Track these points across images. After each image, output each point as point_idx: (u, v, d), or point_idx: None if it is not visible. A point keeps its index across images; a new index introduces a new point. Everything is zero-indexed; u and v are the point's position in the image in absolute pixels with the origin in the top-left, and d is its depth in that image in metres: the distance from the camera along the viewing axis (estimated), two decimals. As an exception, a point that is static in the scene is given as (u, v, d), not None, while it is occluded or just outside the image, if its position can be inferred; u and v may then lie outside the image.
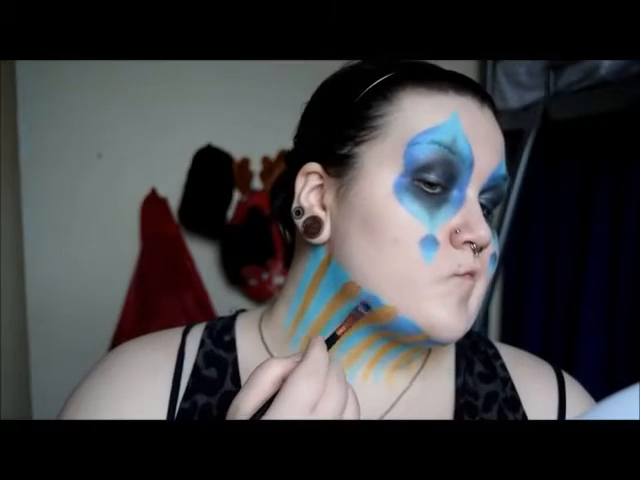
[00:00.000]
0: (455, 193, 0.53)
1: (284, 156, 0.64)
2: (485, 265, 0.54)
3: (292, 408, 0.44)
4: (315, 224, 0.55)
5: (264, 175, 1.99)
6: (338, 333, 0.51)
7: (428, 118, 0.52)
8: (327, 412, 0.45)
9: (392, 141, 0.52)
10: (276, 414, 0.44)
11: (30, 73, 1.82)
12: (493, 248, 0.55)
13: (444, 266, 0.51)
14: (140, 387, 0.57)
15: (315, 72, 0.69)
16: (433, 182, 0.51)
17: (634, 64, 1.25)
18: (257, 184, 1.99)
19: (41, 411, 1.86)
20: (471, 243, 0.52)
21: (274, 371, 0.47)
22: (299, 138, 0.61)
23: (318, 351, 0.47)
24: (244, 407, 0.46)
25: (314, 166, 0.56)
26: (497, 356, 0.64)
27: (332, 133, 0.55)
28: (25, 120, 1.83)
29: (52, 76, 1.83)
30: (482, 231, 0.51)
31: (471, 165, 0.52)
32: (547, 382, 0.63)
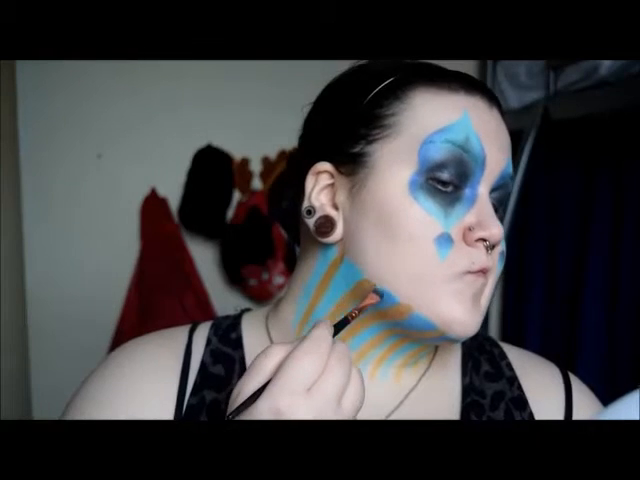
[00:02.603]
0: (467, 191, 0.53)
1: (288, 157, 0.64)
2: (495, 264, 0.55)
3: (287, 386, 0.43)
4: (327, 223, 0.55)
5: (264, 175, 1.99)
6: (350, 317, 0.50)
7: (440, 117, 0.53)
8: (323, 393, 0.44)
9: (405, 139, 0.53)
10: (271, 393, 0.43)
11: (30, 73, 1.82)
12: (502, 246, 0.56)
13: (458, 263, 0.52)
14: (147, 385, 0.57)
15: (316, 72, 0.69)
16: (446, 181, 0.52)
17: (634, 64, 1.25)
18: (257, 184, 1.99)
19: (41, 411, 1.86)
20: (484, 240, 0.52)
21: (276, 356, 0.46)
22: (306, 138, 0.61)
23: (320, 331, 0.46)
24: (246, 392, 0.45)
25: (325, 165, 0.56)
26: (503, 356, 0.64)
27: (343, 132, 0.55)
28: (25, 121, 1.83)
29: (52, 76, 1.83)
30: (495, 228, 0.52)
31: (483, 163, 0.53)
32: (553, 382, 0.63)
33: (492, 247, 0.53)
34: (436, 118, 0.53)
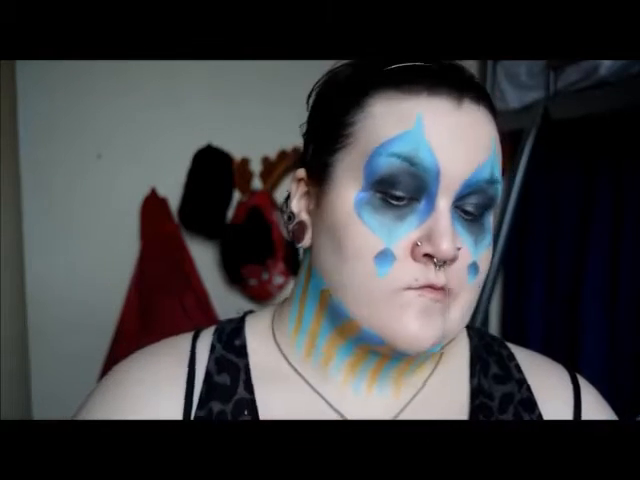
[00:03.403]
0: (423, 204, 0.51)
1: (288, 157, 0.64)
2: (461, 278, 0.52)
3: None
4: (300, 228, 0.56)
5: (264, 175, 1.99)
6: None
7: (392, 127, 0.50)
8: None
9: (358, 151, 0.52)
10: None
11: (30, 73, 1.82)
12: (472, 258, 0.53)
13: (399, 279, 0.50)
14: (154, 398, 0.57)
15: (315, 72, 0.69)
16: (396, 195, 0.50)
17: (634, 64, 1.25)
18: (257, 184, 1.99)
19: (41, 411, 1.86)
20: (431, 257, 0.50)
21: None
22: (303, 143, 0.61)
23: None
24: None
25: (302, 172, 0.57)
26: (512, 357, 0.63)
27: (316, 140, 0.56)
28: (25, 121, 1.83)
29: (52, 76, 1.83)
30: (444, 245, 0.49)
31: (437, 175, 0.50)
32: (562, 384, 0.63)
33: (443, 263, 0.50)
34: (388, 129, 0.50)
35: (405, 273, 0.50)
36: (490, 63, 1.85)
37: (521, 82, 1.69)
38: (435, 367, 0.61)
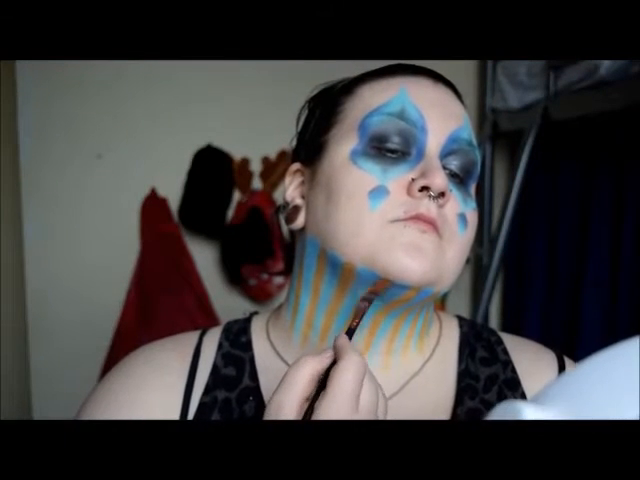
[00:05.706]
0: (414, 155, 0.56)
1: (287, 156, 0.69)
2: (451, 225, 0.55)
3: (343, 409, 0.46)
4: (294, 211, 0.61)
5: (264, 175, 1.99)
6: (352, 327, 0.51)
7: (379, 97, 0.57)
8: (368, 411, 0.47)
9: (350, 121, 0.58)
10: (328, 413, 0.46)
11: (30, 73, 1.82)
12: (461, 208, 0.57)
13: (389, 211, 0.54)
14: (155, 381, 0.61)
15: (315, 72, 0.70)
16: (390, 148, 0.55)
17: (634, 64, 1.25)
18: (257, 184, 1.99)
19: (41, 411, 1.86)
20: (427, 189, 0.54)
21: (309, 369, 0.48)
22: (296, 145, 0.67)
23: (354, 356, 0.47)
24: (287, 406, 0.47)
25: (297, 165, 0.63)
26: (499, 342, 0.66)
27: (311, 133, 0.62)
28: (25, 121, 1.83)
29: (52, 76, 1.83)
30: (438, 178, 0.53)
31: (424, 128, 0.56)
32: (547, 364, 0.64)
33: (437, 196, 0.54)
34: (376, 99, 0.57)
35: (396, 206, 0.54)
36: (490, 63, 1.85)
37: (521, 82, 1.69)
38: (432, 353, 0.63)
